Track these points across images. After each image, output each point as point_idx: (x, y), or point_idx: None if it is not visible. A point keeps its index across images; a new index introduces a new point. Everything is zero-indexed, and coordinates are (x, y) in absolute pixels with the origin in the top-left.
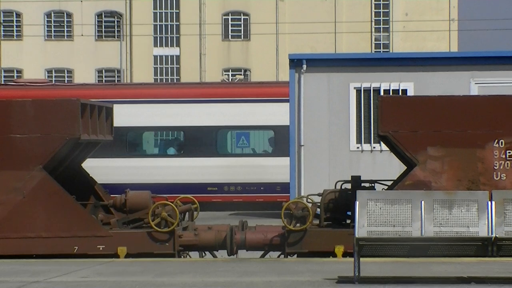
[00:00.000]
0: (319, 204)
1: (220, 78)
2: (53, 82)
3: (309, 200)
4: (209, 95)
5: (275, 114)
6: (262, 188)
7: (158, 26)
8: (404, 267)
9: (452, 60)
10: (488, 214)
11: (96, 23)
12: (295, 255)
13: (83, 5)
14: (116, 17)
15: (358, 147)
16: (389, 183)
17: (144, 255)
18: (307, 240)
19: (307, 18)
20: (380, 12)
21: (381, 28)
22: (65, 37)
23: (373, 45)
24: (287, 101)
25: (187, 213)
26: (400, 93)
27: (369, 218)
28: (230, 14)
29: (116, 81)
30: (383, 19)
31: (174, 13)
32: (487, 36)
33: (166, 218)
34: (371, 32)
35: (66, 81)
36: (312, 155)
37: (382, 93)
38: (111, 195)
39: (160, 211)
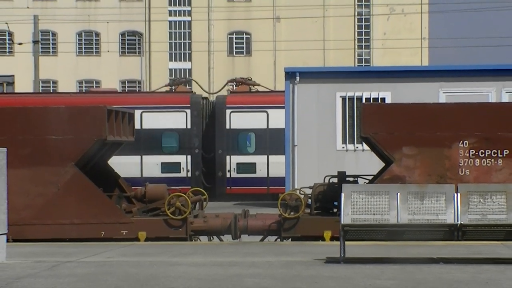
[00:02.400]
0: (310, 195)
1: (227, 87)
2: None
3: (301, 192)
4: None
5: None
6: None
7: (173, 43)
8: (382, 249)
9: (423, 72)
10: (454, 204)
11: (120, 41)
12: (290, 239)
13: (109, 26)
14: (137, 36)
15: (343, 147)
16: (370, 177)
17: (160, 239)
18: (300, 226)
19: (299, 37)
20: (362, 31)
21: (363, 45)
22: (94, 53)
23: (356, 60)
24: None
25: (198, 203)
26: (379, 101)
27: (353, 208)
28: (234, 34)
29: (137, 90)
30: (364, 38)
31: (187, 33)
32: (453, 52)
33: (180, 207)
34: (355, 48)
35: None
36: (304, 154)
37: (364, 101)
38: (134, 187)
39: (174, 201)
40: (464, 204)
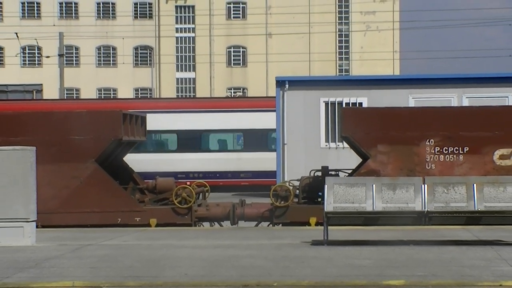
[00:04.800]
0: (298, 187)
1: (225, 94)
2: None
3: (290, 184)
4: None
5: None
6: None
7: (179, 56)
8: (360, 233)
9: (395, 81)
10: (422, 194)
11: (134, 54)
12: (280, 225)
13: (124, 41)
14: (148, 50)
15: (326, 145)
16: (349, 171)
17: (169, 225)
18: (289, 213)
19: (288, 50)
20: (342, 45)
21: (343, 58)
22: (111, 64)
23: (337, 70)
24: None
25: (201, 194)
26: (357, 105)
27: (335, 197)
28: (232, 47)
29: (148, 97)
30: (344, 51)
31: (191, 47)
32: (421, 63)
33: (185, 198)
34: (336, 60)
35: (111, 97)
36: (292, 151)
37: (344, 105)
38: (146, 181)
39: (181, 192)
40: (430, 194)
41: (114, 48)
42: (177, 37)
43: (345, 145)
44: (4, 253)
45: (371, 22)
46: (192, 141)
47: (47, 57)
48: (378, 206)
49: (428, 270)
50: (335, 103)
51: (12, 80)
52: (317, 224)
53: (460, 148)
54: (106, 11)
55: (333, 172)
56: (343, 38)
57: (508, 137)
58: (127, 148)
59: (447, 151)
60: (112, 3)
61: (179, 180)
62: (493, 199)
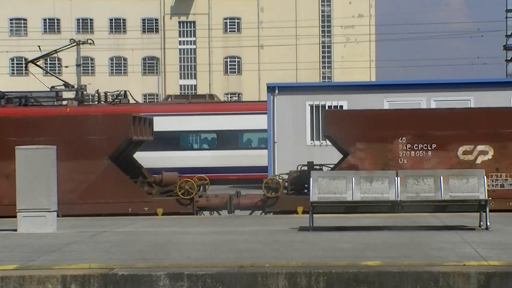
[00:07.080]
0: (287, 180)
1: (223, 99)
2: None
3: (280, 177)
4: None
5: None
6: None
7: (182, 65)
8: (341, 220)
9: (371, 86)
10: (395, 185)
11: (142, 64)
12: (272, 213)
13: (134, 53)
14: (155, 60)
15: (311, 143)
16: (332, 166)
17: (173, 214)
18: (279, 203)
19: (278, 60)
20: (325, 55)
21: (326, 66)
22: (122, 73)
23: (321, 77)
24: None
25: (202, 186)
26: (339, 108)
27: (319, 189)
28: (228, 58)
29: (155, 101)
30: (327, 60)
31: (192, 57)
32: (394, 71)
33: (188, 190)
34: (320, 68)
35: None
36: (282, 148)
37: (327, 108)
38: (153, 175)
39: (184, 185)
40: (402, 185)
41: (125, 59)
42: (180, 49)
43: (328, 143)
44: (29, 239)
45: (350, 34)
46: None
47: (66, 67)
48: (357, 196)
49: (401, 252)
50: (319, 106)
51: (35, 87)
52: (303, 212)
53: (428, 145)
54: (118, 26)
55: (317, 167)
56: (326, 49)
57: (471, 135)
58: (137, 147)
59: (417, 148)
60: (123, 19)
61: (183, 175)
62: (458, 190)
